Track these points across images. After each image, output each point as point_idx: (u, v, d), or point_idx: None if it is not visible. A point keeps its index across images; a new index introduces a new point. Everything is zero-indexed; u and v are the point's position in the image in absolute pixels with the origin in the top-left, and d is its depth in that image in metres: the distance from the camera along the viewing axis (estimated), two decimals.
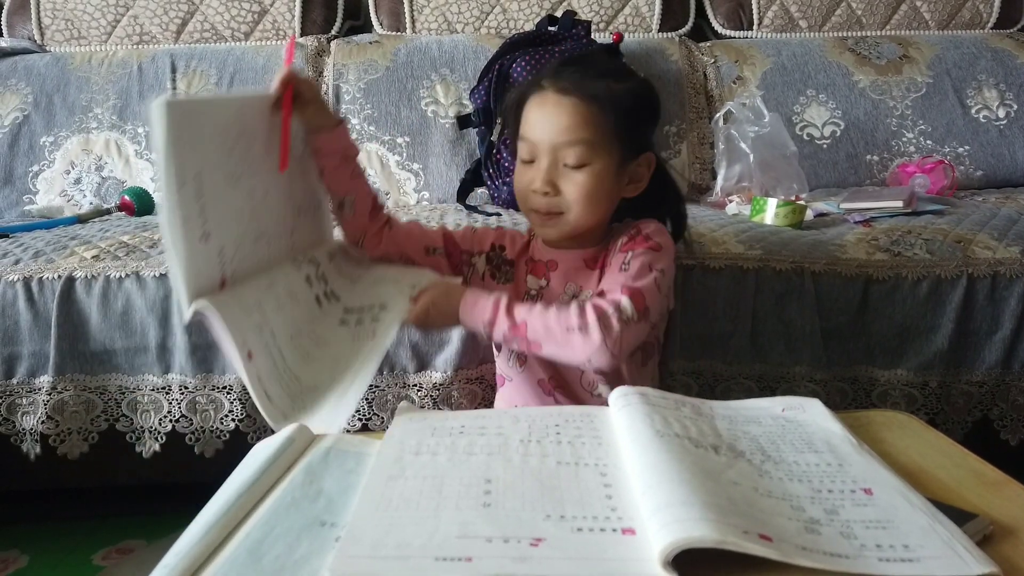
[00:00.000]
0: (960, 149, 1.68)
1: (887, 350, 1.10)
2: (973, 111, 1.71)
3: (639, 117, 0.88)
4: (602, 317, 0.77)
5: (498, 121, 1.53)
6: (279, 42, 1.81)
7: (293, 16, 1.81)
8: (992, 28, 1.88)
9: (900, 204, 1.30)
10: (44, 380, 1.08)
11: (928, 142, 1.69)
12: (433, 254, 0.95)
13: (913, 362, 1.10)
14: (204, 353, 1.08)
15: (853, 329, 1.10)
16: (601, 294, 0.83)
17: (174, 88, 1.70)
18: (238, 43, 1.81)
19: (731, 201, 1.48)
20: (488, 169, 1.55)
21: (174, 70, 1.72)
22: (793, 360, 1.09)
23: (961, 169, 1.67)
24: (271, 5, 1.81)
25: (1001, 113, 1.70)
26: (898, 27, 1.88)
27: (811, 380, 1.09)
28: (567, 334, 0.78)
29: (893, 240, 1.15)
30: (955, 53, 1.78)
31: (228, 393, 1.09)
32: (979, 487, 0.63)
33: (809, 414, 0.71)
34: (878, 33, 1.87)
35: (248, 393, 1.07)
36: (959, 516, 0.56)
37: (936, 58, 1.77)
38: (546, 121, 0.84)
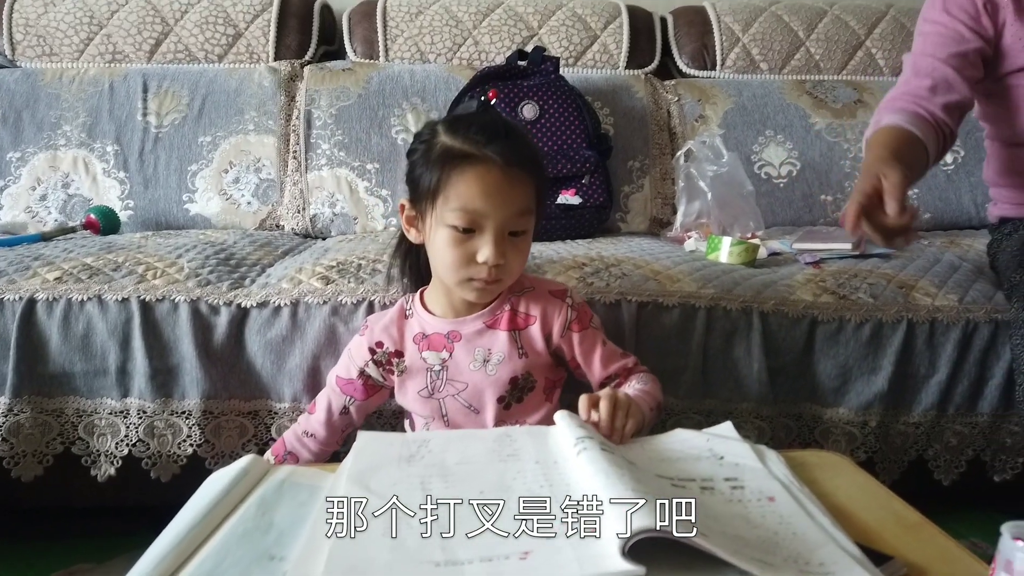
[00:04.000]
0: (910, 192, 1.74)
1: (830, 389, 1.15)
2: None
3: (546, 172, 0.96)
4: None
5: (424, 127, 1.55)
6: (252, 65, 1.83)
7: (267, 40, 1.83)
8: None
9: (849, 247, 1.35)
10: (1, 402, 1.08)
11: None
12: (350, 409, 0.99)
13: (854, 402, 1.14)
14: (164, 378, 1.09)
15: (799, 368, 1.15)
16: (608, 368, 0.96)
17: (145, 108, 1.71)
18: (211, 65, 1.82)
19: (690, 237, 1.52)
20: None
21: (146, 90, 1.73)
22: (741, 396, 1.13)
23: None
24: (246, 29, 1.83)
25: (948, 159, 1.77)
26: (854, 72, 1.95)
27: (758, 416, 1.13)
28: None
29: (840, 283, 1.20)
30: None
31: (187, 418, 1.10)
32: (899, 529, 0.67)
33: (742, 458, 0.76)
34: (835, 77, 1.94)
35: (207, 418, 1.09)
36: (877, 558, 0.60)
37: None
38: (495, 194, 0.83)
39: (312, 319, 1.10)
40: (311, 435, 1.00)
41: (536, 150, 0.92)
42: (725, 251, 1.32)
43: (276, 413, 1.12)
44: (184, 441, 1.10)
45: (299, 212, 1.67)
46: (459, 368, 0.93)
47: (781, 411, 1.15)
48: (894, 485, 1.15)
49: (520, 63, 1.71)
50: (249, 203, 1.68)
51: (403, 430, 1.04)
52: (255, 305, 1.11)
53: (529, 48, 1.79)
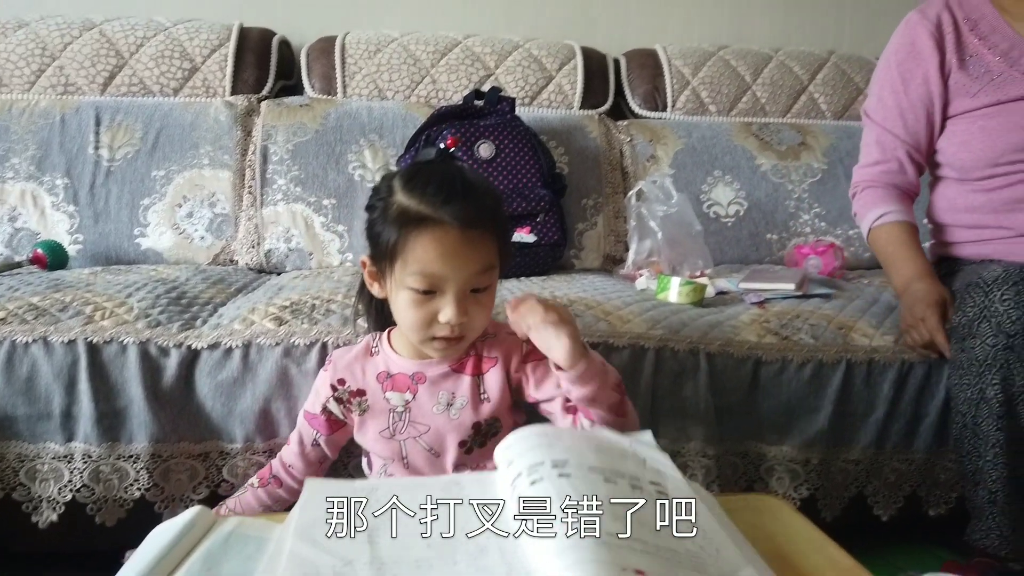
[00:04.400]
0: (851, 232, 1.83)
1: (774, 428, 1.19)
2: None
3: (507, 220, 0.95)
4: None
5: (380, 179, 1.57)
6: (209, 99, 1.83)
7: (224, 75, 1.83)
8: None
9: (792, 287, 1.40)
10: None
11: (822, 224, 1.83)
12: (319, 442, 0.99)
13: (797, 439, 1.18)
14: (111, 421, 1.07)
15: (744, 407, 1.18)
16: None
17: (97, 141, 1.69)
18: (167, 98, 1.81)
19: (641, 275, 1.56)
20: None
21: (98, 122, 1.71)
22: (688, 436, 1.16)
23: (852, 250, 1.81)
24: (203, 63, 1.83)
25: None
26: (798, 115, 2.03)
27: (704, 455, 1.16)
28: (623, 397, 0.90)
29: (783, 324, 1.24)
30: (848, 143, 1.93)
31: (134, 462, 1.08)
32: (834, 574, 0.70)
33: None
34: (780, 120, 2.02)
35: (156, 461, 1.07)
36: None
37: (831, 147, 1.93)
38: (454, 257, 0.83)
39: (264, 360, 1.10)
40: (289, 465, 1.01)
41: (496, 202, 0.90)
42: (674, 291, 1.35)
43: (228, 454, 1.11)
44: (131, 485, 1.08)
45: (253, 247, 1.67)
46: (422, 410, 0.93)
47: (727, 449, 1.19)
48: (835, 521, 1.20)
49: (477, 103, 1.74)
50: (203, 238, 1.67)
51: (360, 469, 1.04)
52: (206, 347, 1.10)
53: (486, 87, 1.82)
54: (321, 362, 1.10)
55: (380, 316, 0.99)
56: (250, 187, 1.71)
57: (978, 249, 1.32)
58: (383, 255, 0.87)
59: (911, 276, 1.26)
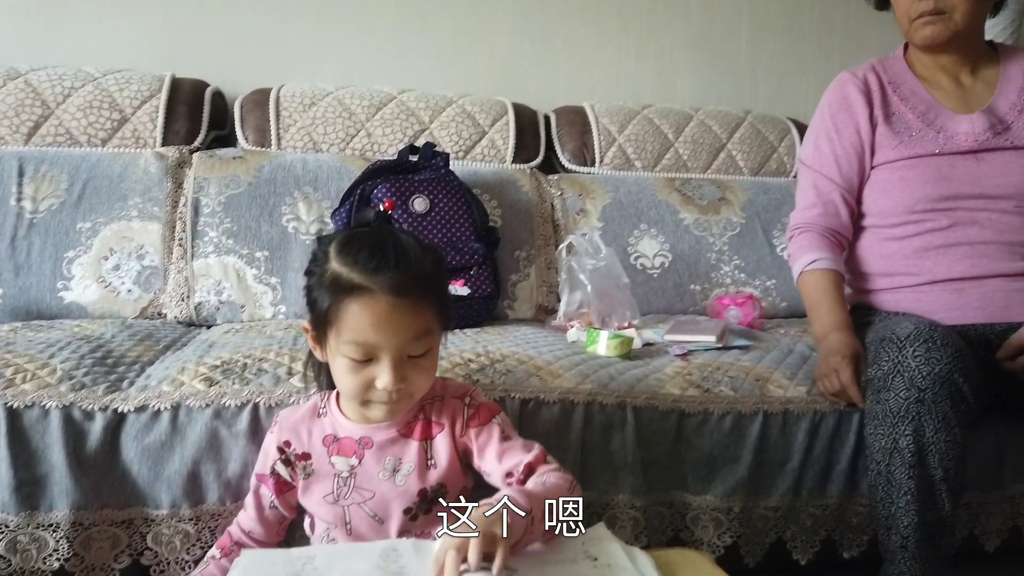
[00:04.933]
0: (768, 282, 1.92)
1: (698, 478, 1.23)
2: (779, 249, 1.96)
3: (446, 281, 0.97)
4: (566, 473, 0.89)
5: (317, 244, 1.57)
6: (138, 150, 1.81)
7: (155, 126, 1.82)
8: (794, 177, 2.19)
9: (714, 339, 1.47)
10: None
11: (742, 275, 1.92)
12: (276, 503, 0.98)
13: (720, 489, 1.23)
14: (30, 489, 1.04)
15: (669, 459, 1.23)
16: (504, 463, 0.91)
17: (19, 192, 1.65)
18: (95, 149, 1.78)
19: (572, 326, 1.61)
20: None
21: (21, 173, 1.67)
22: (617, 488, 1.20)
23: (769, 300, 1.90)
24: (132, 114, 1.81)
25: None
26: (718, 171, 2.14)
27: (632, 507, 1.20)
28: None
29: (704, 376, 1.30)
30: (764, 198, 2.05)
31: (54, 531, 1.05)
32: None
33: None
34: (701, 176, 2.12)
35: (77, 530, 1.04)
36: None
37: (748, 201, 2.04)
38: (386, 325, 0.84)
39: (193, 423, 1.09)
40: (248, 531, 0.99)
41: (435, 265, 0.91)
42: (603, 344, 1.40)
43: (152, 521, 1.09)
44: (50, 555, 1.05)
45: (183, 300, 1.64)
46: (367, 476, 0.93)
47: (654, 500, 1.23)
48: (758, 566, 1.25)
49: (411, 157, 1.78)
50: (130, 291, 1.63)
51: (303, 532, 1.03)
52: (133, 410, 1.08)
53: (420, 142, 1.87)
54: (253, 423, 1.10)
55: (329, 377, 0.98)
56: (180, 239, 1.69)
57: (891, 296, 1.41)
58: (319, 323, 0.88)
59: (830, 326, 1.33)
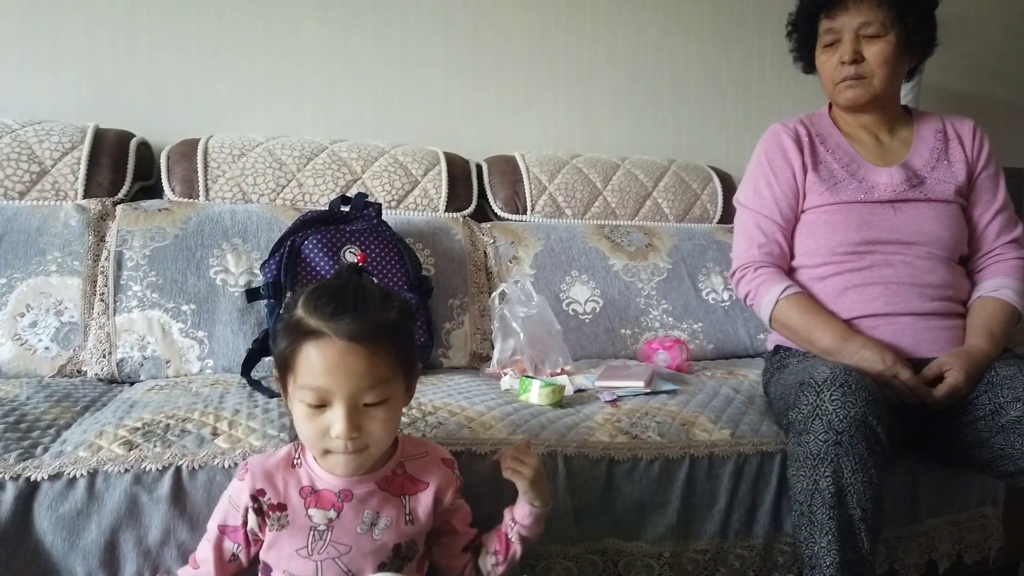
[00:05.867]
0: (695, 325, 1.98)
1: (629, 524, 1.25)
2: (704, 293, 2.03)
3: (411, 334, 0.97)
4: None
5: (288, 295, 1.58)
6: (59, 203, 1.76)
7: (77, 178, 1.78)
8: (717, 223, 2.28)
9: (642, 384, 1.51)
10: None
11: (670, 319, 1.98)
12: (239, 556, 0.96)
13: (650, 534, 1.25)
14: None
15: (600, 506, 1.24)
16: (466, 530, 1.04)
17: None
18: (11, 202, 1.73)
19: (506, 374, 1.62)
20: None
21: None
22: (550, 538, 1.20)
23: (696, 343, 1.96)
24: (53, 166, 1.77)
25: (725, 296, 2.04)
26: (644, 218, 2.21)
27: (565, 556, 1.21)
28: None
29: (632, 422, 1.33)
30: (689, 243, 2.13)
31: None
32: None
33: None
34: (629, 223, 2.19)
35: None
36: None
37: (674, 247, 2.11)
38: (339, 370, 0.84)
39: (112, 489, 1.05)
40: None
41: (400, 315, 0.92)
42: (535, 393, 1.42)
43: None
44: None
45: (104, 357, 1.59)
46: (345, 529, 0.92)
47: (587, 548, 1.24)
48: None
49: (343, 208, 1.78)
50: (47, 348, 1.57)
51: None
52: (47, 478, 1.04)
53: (352, 192, 1.87)
54: (175, 487, 1.07)
55: None
56: (102, 294, 1.64)
57: None
58: (280, 366, 0.89)
59: (838, 336, 1.37)
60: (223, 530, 0.95)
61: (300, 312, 0.87)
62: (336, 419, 0.85)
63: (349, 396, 0.85)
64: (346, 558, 0.92)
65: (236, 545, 0.95)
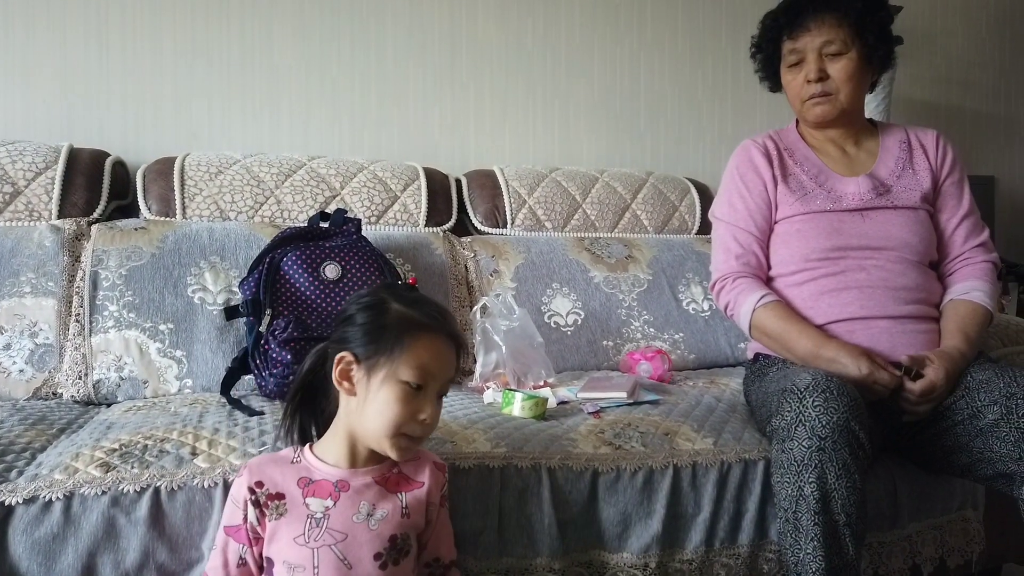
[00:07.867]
0: (676, 336, 1.99)
1: (614, 535, 1.25)
2: (684, 304, 2.05)
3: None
4: None
5: (267, 312, 1.57)
6: (32, 223, 1.74)
7: (51, 198, 1.76)
8: (696, 234, 2.30)
9: (624, 395, 1.51)
10: None
11: (651, 329, 1.99)
12: (246, 559, 0.96)
13: (635, 545, 1.25)
14: None
15: (585, 518, 1.24)
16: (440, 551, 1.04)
17: None
18: None
19: (488, 387, 1.62)
20: (256, 359, 1.57)
21: None
22: (535, 552, 1.20)
23: (678, 353, 1.97)
24: (26, 186, 1.75)
25: (705, 306, 2.05)
26: (624, 230, 2.23)
27: (550, 570, 1.20)
28: None
29: (616, 433, 1.33)
30: (669, 255, 2.14)
31: None
32: None
33: None
34: (609, 235, 2.20)
35: None
36: None
37: (654, 259, 2.12)
38: (444, 361, 0.98)
39: (88, 512, 1.03)
40: None
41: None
42: (518, 406, 1.42)
43: None
44: None
45: (80, 378, 1.57)
46: (341, 517, 0.94)
47: (573, 561, 1.23)
48: None
49: (322, 224, 1.77)
50: (22, 371, 1.55)
51: None
52: (21, 501, 1.02)
53: (331, 208, 1.87)
54: (153, 509, 1.05)
55: (310, 426, 1.02)
56: (78, 315, 1.62)
57: None
58: (380, 352, 0.94)
59: (814, 344, 1.39)
60: (228, 531, 0.97)
61: (404, 310, 0.97)
62: (428, 404, 0.96)
63: (441, 384, 0.98)
64: (342, 545, 0.94)
65: (242, 546, 0.96)
